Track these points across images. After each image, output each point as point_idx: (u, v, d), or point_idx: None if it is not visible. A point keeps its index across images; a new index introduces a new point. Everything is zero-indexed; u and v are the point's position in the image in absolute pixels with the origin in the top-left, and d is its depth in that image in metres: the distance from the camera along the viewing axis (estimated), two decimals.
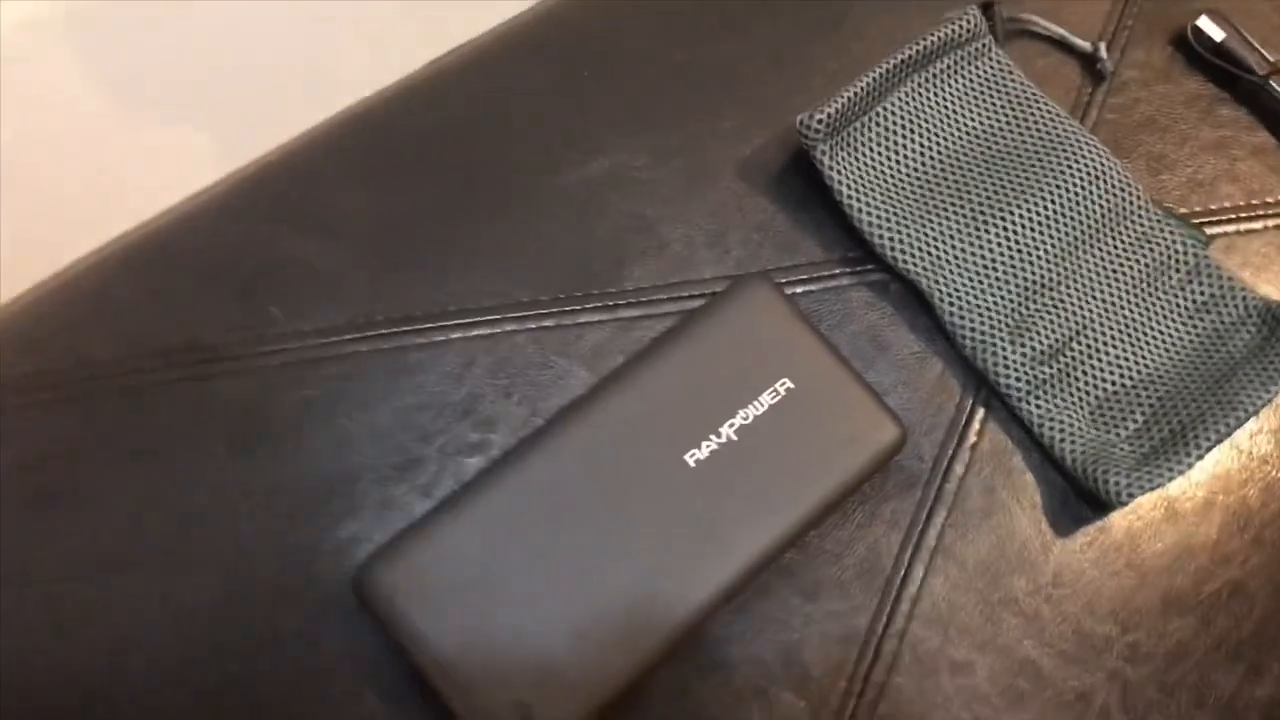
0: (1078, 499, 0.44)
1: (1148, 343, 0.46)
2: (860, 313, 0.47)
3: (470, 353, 0.44)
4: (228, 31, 0.65)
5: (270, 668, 0.39)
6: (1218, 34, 0.52)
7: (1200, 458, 0.43)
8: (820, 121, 0.46)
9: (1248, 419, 0.44)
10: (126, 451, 0.42)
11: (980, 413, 0.45)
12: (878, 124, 0.48)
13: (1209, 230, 0.49)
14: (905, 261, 0.46)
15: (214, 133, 0.67)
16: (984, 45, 0.50)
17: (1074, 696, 0.42)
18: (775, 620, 0.42)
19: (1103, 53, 0.51)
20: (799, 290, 0.47)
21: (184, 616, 0.40)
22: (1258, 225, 0.50)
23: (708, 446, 0.41)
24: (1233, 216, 0.50)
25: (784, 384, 0.42)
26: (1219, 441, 0.43)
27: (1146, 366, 0.45)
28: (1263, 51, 0.52)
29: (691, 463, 0.41)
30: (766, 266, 0.47)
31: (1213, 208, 0.50)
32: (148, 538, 0.40)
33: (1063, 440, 0.44)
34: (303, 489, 0.41)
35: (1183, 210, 0.50)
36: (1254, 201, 0.50)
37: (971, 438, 0.45)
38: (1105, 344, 0.45)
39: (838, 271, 0.47)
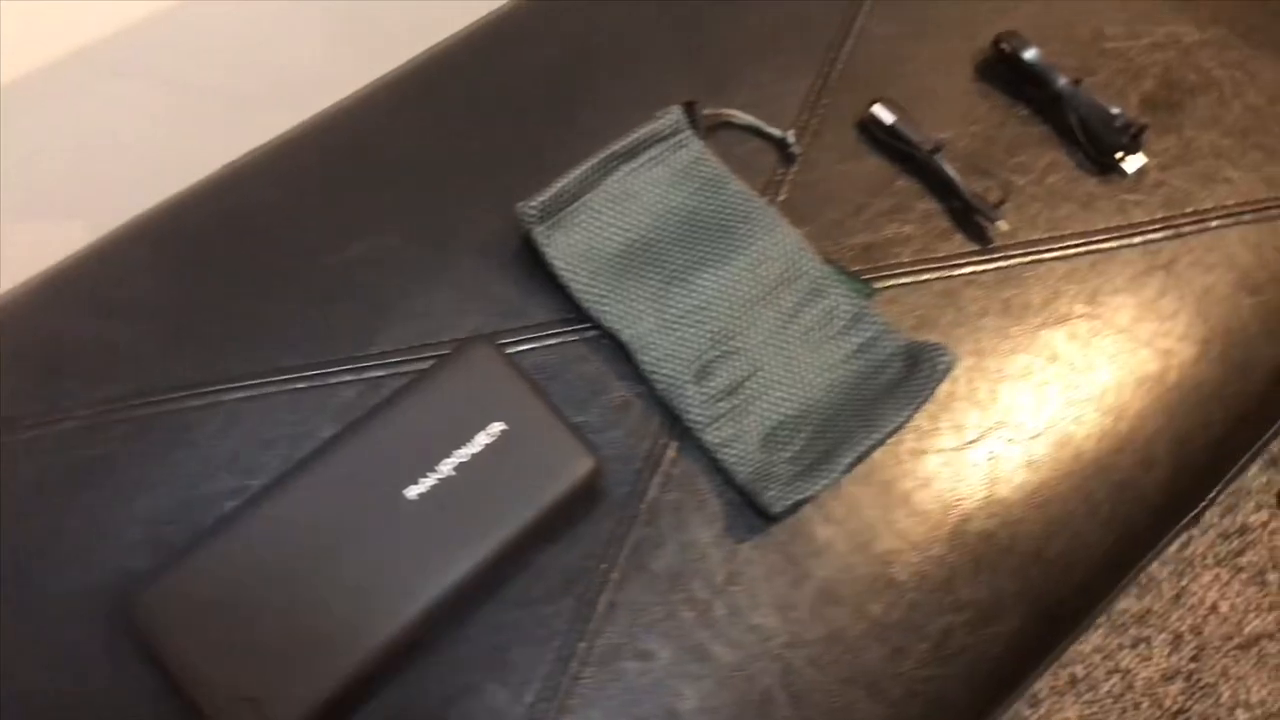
0: (751, 512, 0.53)
1: (811, 380, 0.55)
2: (576, 365, 0.56)
3: (236, 413, 0.53)
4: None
5: (49, 687, 0.47)
6: (889, 118, 0.62)
7: (845, 471, 0.52)
8: (535, 208, 0.55)
9: (885, 438, 0.53)
10: None
11: (674, 445, 0.54)
12: (590, 207, 0.57)
13: (881, 284, 0.59)
14: (610, 320, 0.55)
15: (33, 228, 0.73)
16: (684, 138, 0.60)
17: (741, 677, 0.50)
18: (490, 625, 0.50)
19: (791, 139, 0.61)
20: (524, 349, 0.56)
21: None
22: (925, 277, 0.60)
23: (426, 482, 0.50)
24: (901, 271, 0.60)
25: (498, 427, 0.51)
26: (860, 457, 0.53)
27: (808, 399, 0.54)
28: (926, 134, 0.62)
29: (412, 496, 0.49)
30: (498, 330, 0.56)
31: (885, 264, 0.60)
32: None
33: (735, 463, 0.53)
34: (84, 531, 0.50)
35: (856, 267, 0.59)
36: (920, 258, 0.60)
37: (665, 466, 0.54)
38: (774, 382, 0.55)
39: (557, 332, 0.56)
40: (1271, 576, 1.07)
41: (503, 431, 0.51)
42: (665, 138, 0.59)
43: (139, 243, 0.58)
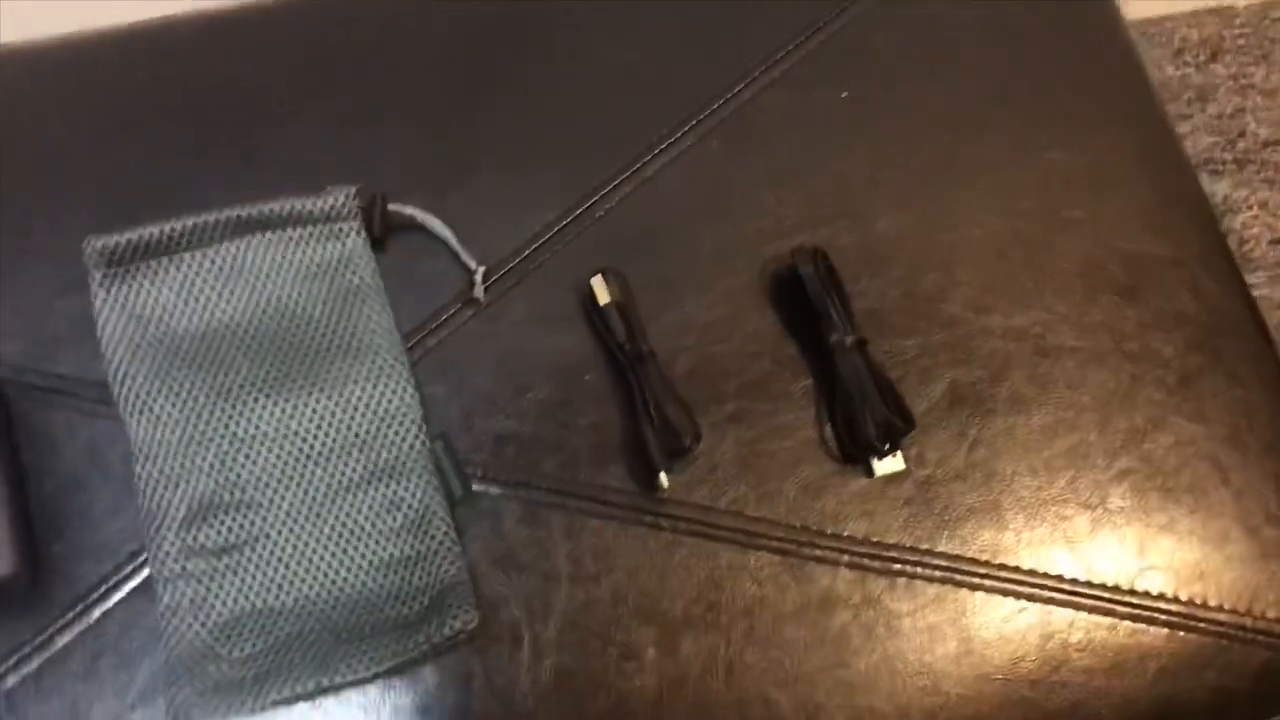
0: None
1: (321, 580, 0.44)
2: (87, 442, 0.46)
3: None
4: None
5: None
6: (605, 298, 0.50)
7: (268, 707, 0.42)
8: (102, 249, 0.46)
9: (338, 688, 0.42)
10: None
11: (133, 582, 0.45)
12: (177, 271, 0.47)
13: (488, 489, 0.47)
14: (128, 408, 0.45)
15: None
16: (345, 229, 0.49)
17: None
18: None
19: (479, 279, 0.50)
20: (38, 397, 0.47)
21: None
22: (554, 501, 0.48)
23: None
24: (528, 485, 0.48)
25: None
26: (297, 698, 0.42)
27: (304, 601, 0.44)
28: (641, 333, 0.49)
29: None
30: (17, 362, 0.47)
31: (511, 469, 0.48)
32: None
33: (175, 636, 0.43)
34: None
35: (474, 457, 0.48)
36: (559, 479, 0.48)
37: (108, 603, 0.44)
38: (277, 565, 0.44)
39: (86, 396, 0.47)
40: None
41: None
42: (320, 220, 0.49)
43: None
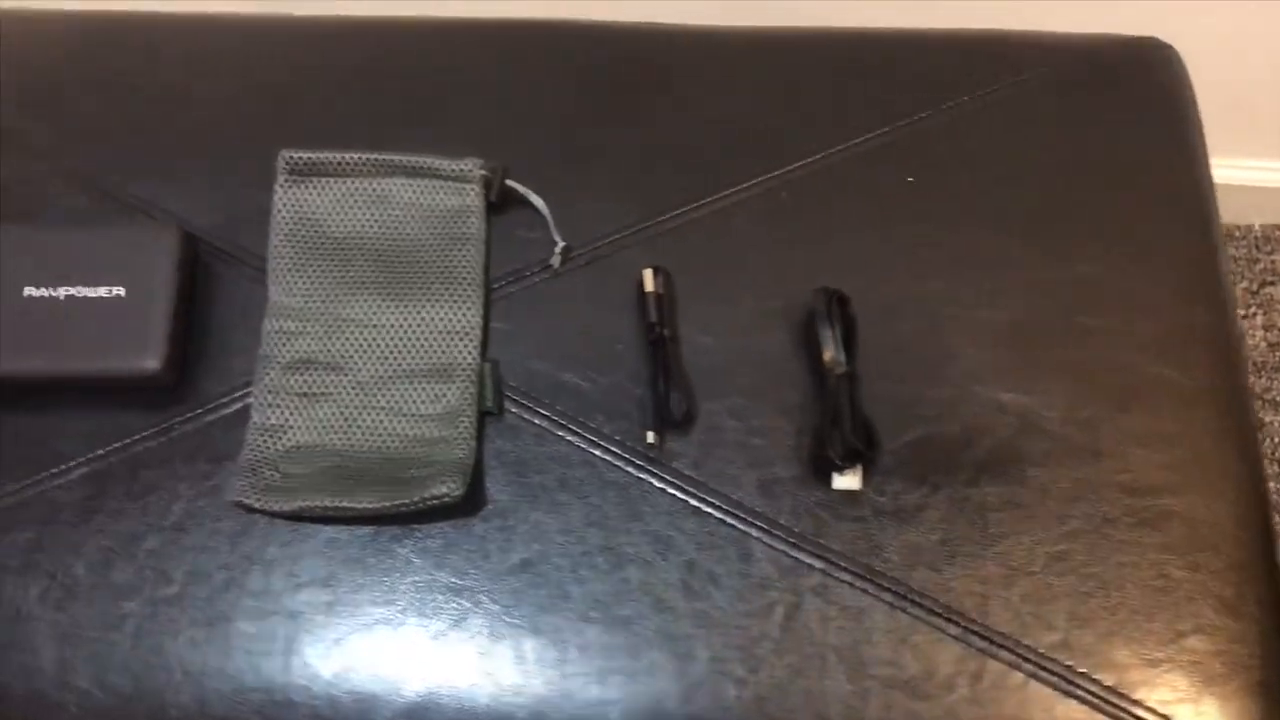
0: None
1: (372, 435, 0.57)
2: (236, 294, 0.61)
3: None
4: None
5: None
6: (650, 286, 0.60)
7: (289, 513, 0.55)
8: (292, 160, 0.62)
9: (349, 517, 0.55)
10: None
11: (237, 402, 0.59)
12: (338, 189, 0.62)
13: (520, 415, 0.59)
14: (273, 276, 0.60)
15: None
16: (467, 189, 0.62)
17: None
18: None
19: (558, 251, 0.62)
20: (222, 260, 0.62)
21: None
22: (539, 423, 0.58)
23: (43, 292, 0.58)
24: (549, 418, 0.59)
25: (119, 291, 0.59)
26: (321, 515, 0.55)
27: (351, 445, 0.56)
28: (672, 320, 0.60)
29: (25, 294, 0.58)
30: (208, 230, 0.63)
31: (541, 403, 0.59)
32: None
33: (252, 447, 0.56)
34: None
35: (514, 386, 0.59)
36: (565, 409, 0.59)
37: (215, 410, 0.59)
38: (341, 415, 0.57)
39: (246, 264, 0.62)
40: None
41: (119, 296, 0.59)
42: (450, 178, 0.62)
43: None
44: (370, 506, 0.54)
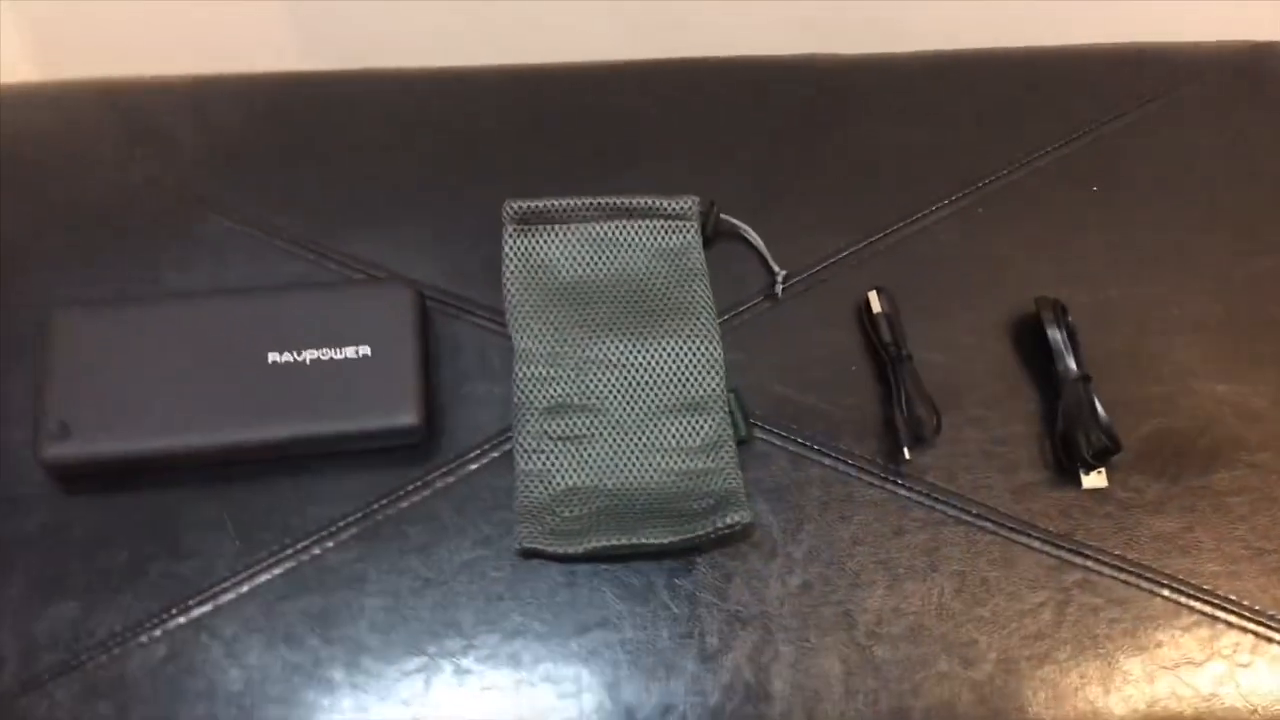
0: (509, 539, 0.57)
1: (636, 472, 0.58)
2: (480, 349, 0.62)
3: (218, 241, 0.64)
4: None
5: None
6: (877, 307, 0.63)
7: (585, 554, 0.55)
8: (518, 209, 0.62)
9: (640, 550, 0.56)
10: None
11: (497, 452, 0.59)
12: (566, 235, 0.63)
13: (766, 437, 0.60)
14: (515, 326, 0.61)
15: None
16: (686, 226, 0.64)
17: (411, 648, 0.55)
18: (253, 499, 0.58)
19: (779, 281, 0.64)
20: (450, 313, 0.63)
21: None
22: (813, 457, 0.60)
23: (287, 356, 0.58)
24: (795, 438, 0.60)
25: (365, 350, 0.59)
26: (609, 552, 0.55)
27: (620, 485, 0.57)
28: (903, 340, 0.62)
29: (270, 359, 0.58)
30: (436, 288, 0.63)
31: (785, 424, 0.61)
32: None
33: (525, 493, 0.57)
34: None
35: (755, 411, 0.61)
36: (821, 439, 0.60)
37: (479, 462, 0.59)
38: (605, 455, 0.58)
39: (476, 315, 0.63)
40: None
41: (366, 355, 0.59)
42: (669, 216, 0.64)
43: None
44: (663, 541, 0.55)
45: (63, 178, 0.66)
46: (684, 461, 0.58)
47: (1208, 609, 0.57)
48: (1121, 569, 0.58)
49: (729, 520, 0.55)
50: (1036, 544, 0.58)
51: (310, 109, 0.70)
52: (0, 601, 0.55)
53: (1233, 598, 0.58)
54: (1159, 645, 0.56)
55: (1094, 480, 0.60)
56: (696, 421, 0.59)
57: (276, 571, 0.56)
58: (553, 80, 0.71)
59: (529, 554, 0.56)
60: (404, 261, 0.64)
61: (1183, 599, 0.57)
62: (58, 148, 0.68)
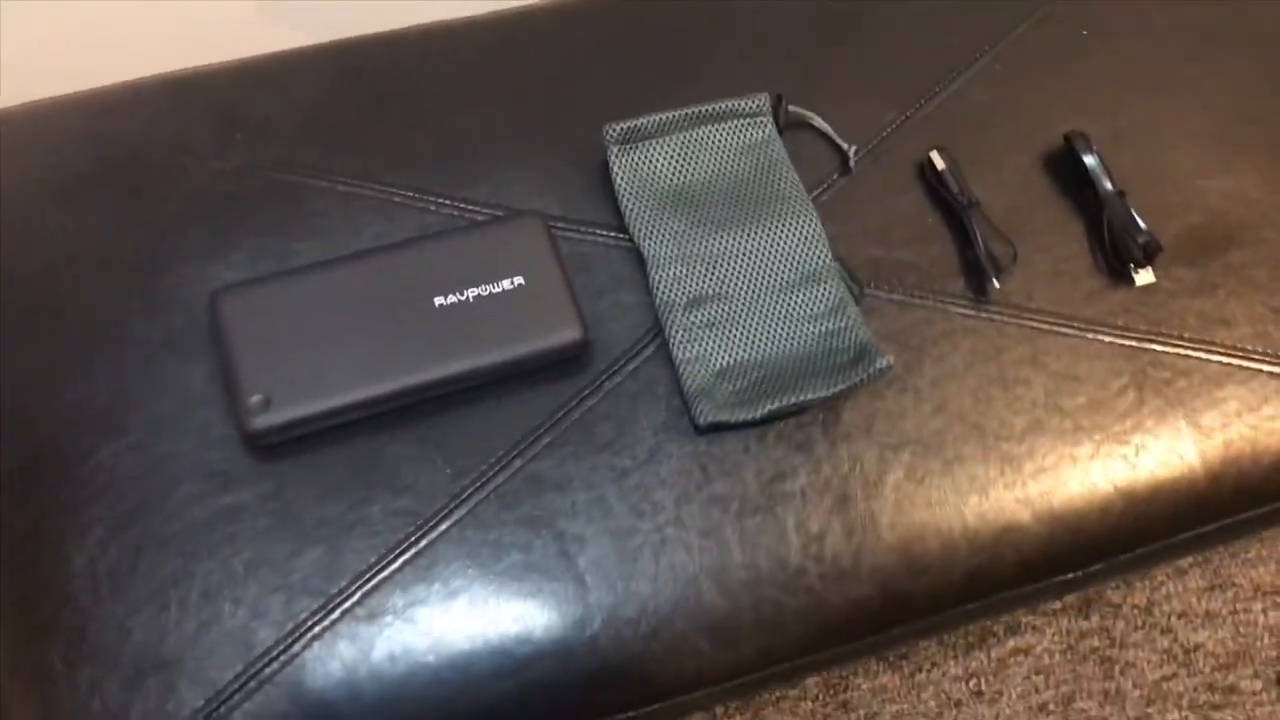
0: (686, 421, 0.64)
1: (777, 342, 0.66)
2: (603, 264, 0.68)
3: (346, 201, 0.68)
4: None
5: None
6: (940, 165, 0.71)
7: (763, 417, 0.63)
8: (618, 131, 0.69)
9: (806, 405, 0.64)
10: None
11: (650, 350, 0.66)
12: (664, 146, 0.70)
13: (874, 293, 0.69)
14: (640, 236, 0.68)
15: None
16: (763, 122, 0.71)
17: (625, 531, 0.62)
18: (453, 421, 0.64)
19: (853, 155, 0.72)
20: (569, 236, 0.69)
21: None
22: (915, 302, 0.69)
23: (452, 298, 0.64)
24: (897, 290, 0.69)
25: (519, 280, 0.65)
26: (780, 412, 0.63)
27: (768, 355, 0.65)
28: (969, 189, 0.71)
29: (438, 303, 0.64)
30: (556, 214, 0.69)
31: (885, 280, 0.69)
32: None
33: (689, 377, 0.65)
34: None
35: (860, 273, 0.69)
36: (918, 286, 0.70)
37: (636, 363, 0.66)
38: (748, 332, 0.66)
39: (600, 234, 0.69)
40: None
41: (520, 284, 0.65)
42: (747, 115, 0.71)
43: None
44: (823, 394, 0.64)
45: (169, 177, 0.69)
46: (816, 325, 0.67)
47: (1250, 364, 0.69)
48: (1180, 344, 0.69)
49: (877, 366, 0.64)
50: (1109, 337, 0.69)
51: (382, 69, 0.74)
52: (228, 572, 0.59)
53: (1271, 352, 0.70)
54: (1225, 400, 0.68)
55: (1144, 277, 0.71)
56: (816, 290, 0.67)
57: (489, 488, 0.62)
58: (607, 10, 0.77)
59: (711, 428, 0.64)
60: (517, 196, 0.70)
61: (1233, 360, 0.69)
62: (152, 148, 0.70)
